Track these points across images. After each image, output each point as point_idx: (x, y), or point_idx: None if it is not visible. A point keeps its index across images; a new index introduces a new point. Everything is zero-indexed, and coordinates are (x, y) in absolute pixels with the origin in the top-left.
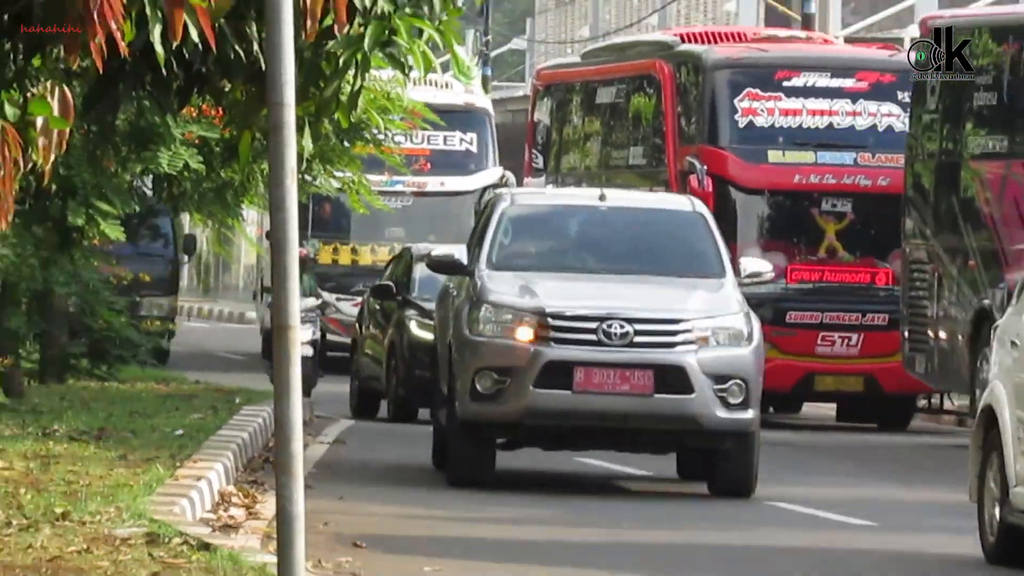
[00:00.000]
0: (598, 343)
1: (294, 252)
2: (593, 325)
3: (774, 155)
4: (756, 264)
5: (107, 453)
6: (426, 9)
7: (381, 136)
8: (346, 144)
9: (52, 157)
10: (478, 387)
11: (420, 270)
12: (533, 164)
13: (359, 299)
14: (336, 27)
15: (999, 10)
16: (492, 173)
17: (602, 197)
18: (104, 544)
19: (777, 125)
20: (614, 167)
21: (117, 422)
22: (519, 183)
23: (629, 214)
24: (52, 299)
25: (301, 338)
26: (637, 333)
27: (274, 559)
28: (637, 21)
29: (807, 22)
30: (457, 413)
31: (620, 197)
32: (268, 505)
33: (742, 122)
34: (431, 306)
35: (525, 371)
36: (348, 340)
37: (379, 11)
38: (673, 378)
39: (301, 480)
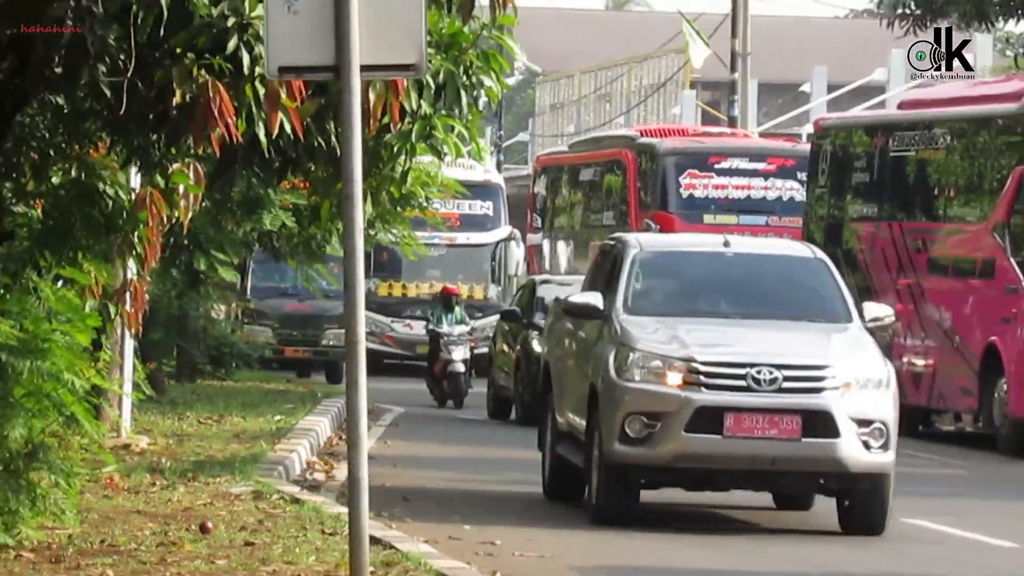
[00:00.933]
0: (747, 389)
1: (361, 287)
2: (742, 371)
3: (708, 218)
4: (878, 309)
5: (225, 433)
6: (456, 111)
7: (424, 203)
8: (398, 209)
9: (189, 215)
10: (628, 431)
11: (541, 296)
12: (533, 224)
13: (408, 321)
14: (391, 124)
15: (870, 113)
16: (504, 230)
17: (726, 243)
18: (223, 499)
19: (710, 196)
20: (592, 226)
21: (232, 411)
22: (524, 238)
23: (753, 260)
24: (186, 321)
25: (456, 357)
26: (785, 379)
27: (346, 510)
28: (608, 121)
29: (732, 122)
30: (605, 455)
31: (743, 243)
32: (341, 471)
33: (685, 194)
34: None
35: (676, 416)
36: (400, 351)
37: (422, 113)
38: (820, 423)
39: (366, 453)
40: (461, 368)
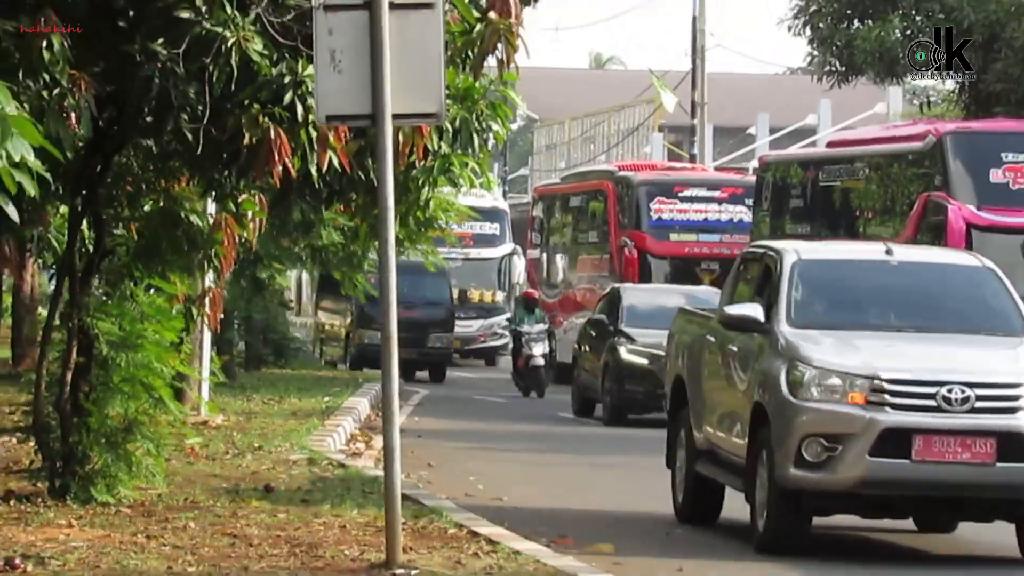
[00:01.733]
0: (937, 409)
1: (393, 293)
2: (932, 390)
3: (674, 236)
4: None
5: (284, 411)
6: (470, 150)
7: (444, 225)
8: (423, 230)
9: (255, 235)
10: (805, 454)
11: (626, 304)
12: (533, 242)
13: None
14: (417, 161)
15: (804, 151)
16: (508, 246)
17: (888, 252)
18: (283, 464)
19: (675, 218)
20: (580, 243)
21: (290, 393)
22: (524, 253)
23: (919, 269)
24: (252, 320)
25: (536, 352)
26: (978, 399)
27: (382, 473)
28: (592, 158)
29: (692, 158)
30: (777, 479)
31: (907, 252)
32: (378, 441)
33: (654, 217)
34: (635, 333)
35: (859, 438)
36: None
37: (443, 152)
38: (1016, 446)
39: (397, 427)
40: (541, 362)
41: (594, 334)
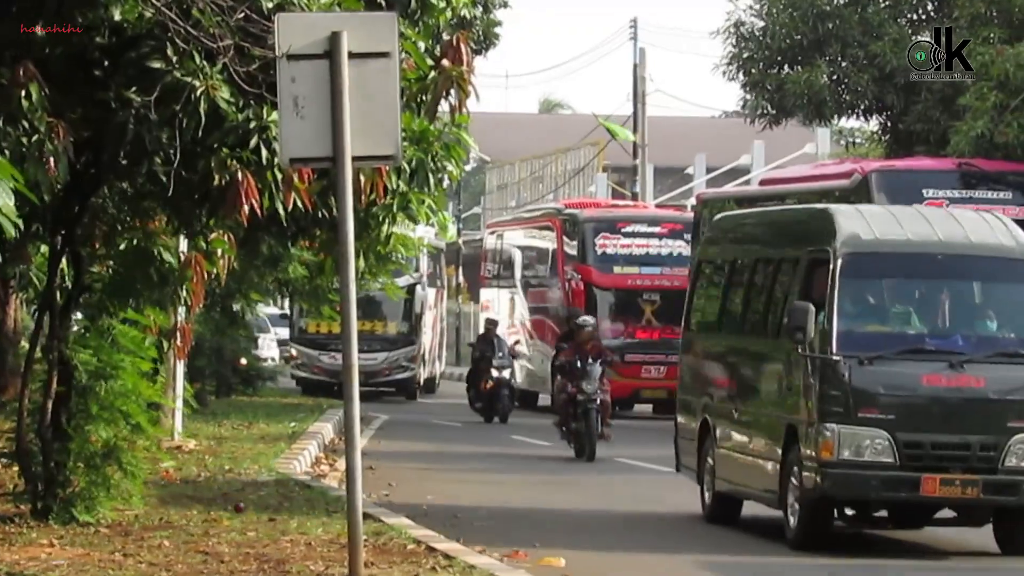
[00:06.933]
0: None
1: (354, 322)
2: None
3: (617, 269)
4: None
5: (253, 436)
6: (426, 189)
7: (402, 259)
8: (382, 263)
9: (225, 271)
10: None
11: None
12: (486, 275)
13: (333, 353)
14: (377, 199)
15: (738, 188)
16: (410, 279)
17: None
18: (252, 485)
19: (618, 253)
20: (528, 276)
21: (259, 419)
22: (477, 288)
23: None
24: (224, 351)
25: None
26: None
27: (345, 493)
28: (541, 197)
29: (635, 196)
30: None
31: None
32: (341, 463)
33: (599, 251)
34: None
35: None
36: (328, 379)
37: (401, 190)
38: None
39: (359, 450)
40: None
41: None
